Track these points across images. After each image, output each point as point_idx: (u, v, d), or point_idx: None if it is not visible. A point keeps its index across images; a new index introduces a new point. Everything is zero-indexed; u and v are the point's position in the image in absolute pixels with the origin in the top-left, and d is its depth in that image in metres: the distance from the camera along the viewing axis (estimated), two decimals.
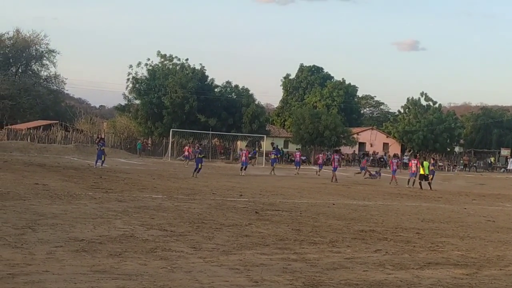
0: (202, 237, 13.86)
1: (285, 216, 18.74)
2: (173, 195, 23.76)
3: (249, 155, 48.81)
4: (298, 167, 50.20)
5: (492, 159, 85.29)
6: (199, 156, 39.23)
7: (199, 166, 37.68)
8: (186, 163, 53.28)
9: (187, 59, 78.89)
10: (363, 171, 48.30)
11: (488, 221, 20.79)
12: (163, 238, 13.40)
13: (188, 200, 22.16)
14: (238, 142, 77.34)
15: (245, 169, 43.79)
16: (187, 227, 15.27)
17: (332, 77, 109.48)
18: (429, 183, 36.80)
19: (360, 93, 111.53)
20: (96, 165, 41.08)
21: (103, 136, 62.47)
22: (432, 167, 39.88)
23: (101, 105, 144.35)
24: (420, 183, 36.82)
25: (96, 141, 70.55)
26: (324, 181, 39.05)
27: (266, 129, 79.64)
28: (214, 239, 13.68)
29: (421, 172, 37.39)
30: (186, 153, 57.11)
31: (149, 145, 74.83)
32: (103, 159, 42.00)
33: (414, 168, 38.58)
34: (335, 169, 41.02)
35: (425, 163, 38.00)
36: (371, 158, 79.58)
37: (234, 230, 15.19)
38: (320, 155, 53.68)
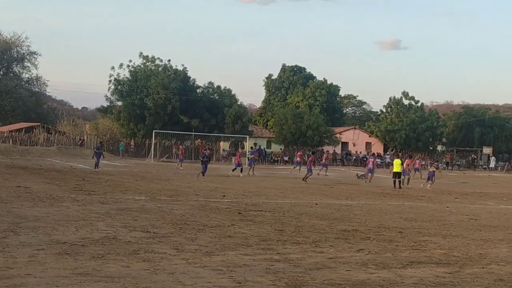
0: (185, 238, 13.85)
1: (268, 217, 18.75)
2: (156, 197, 23.73)
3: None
4: (299, 167, 50.07)
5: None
6: (200, 158, 39.25)
7: (203, 169, 37.52)
8: (180, 165, 52.69)
9: (169, 60, 78.80)
10: (370, 172, 45.65)
11: (471, 220, 20.89)
12: (145, 239, 13.38)
13: (171, 202, 22.13)
14: (221, 143, 77.35)
15: (241, 171, 43.31)
16: (170, 228, 15.25)
17: (315, 77, 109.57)
18: (400, 181, 36.85)
19: (342, 93, 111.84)
20: (97, 168, 40.46)
21: (101, 140, 62.12)
22: (435, 169, 39.68)
23: (84, 107, 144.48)
24: (394, 182, 36.70)
25: (79, 143, 70.94)
26: (308, 181, 39.02)
27: (249, 129, 79.55)
28: (197, 240, 13.67)
29: (395, 170, 37.43)
30: (181, 156, 56.42)
31: (131, 146, 74.67)
32: (94, 160, 41.53)
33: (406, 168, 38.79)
34: (310, 170, 40.56)
35: (397, 161, 38.02)
36: (354, 157, 79.92)
37: (217, 231, 15.19)
38: (324, 155, 55.20)
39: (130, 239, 13.36)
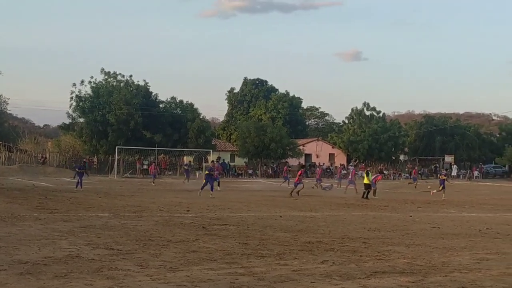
0: (149, 254, 13.78)
1: (232, 230, 18.74)
2: (120, 213, 23.58)
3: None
4: (287, 181, 50.25)
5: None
6: (206, 172, 38.69)
7: (207, 184, 36.65)
8: (152, 181, 51.48)
9: (131, 76, 78.61)
10: (351, 184, 45.06)
11: (433, 228, 21.06)
12: (109, 257, 13.28)
13: (135, 218, 22.00)
14: (185, 158, 77.20)
15: (218, 185, 42.52)
16: (134, 245, 15.16)
17: (277, 90, 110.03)
18: (368, 192, 37.20)
19: (304, 105, 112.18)
20: (78, 187, 39.12)
21: (85, 160, 61.40)
22: (444, 177, 40.75)
23: (46, 124, 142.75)
24: (364, 193, 37.09)
25: (41, 161, 70.23)
26: (272, 194, 39.05)
27: (212, 143, 79.63)
28: (161, 256, 13.61)
29: (365, 181, 37.89)
30: (153, 170, 55.53)
31: (94, 163, 74.14)
32: (77, 180, 40.00)
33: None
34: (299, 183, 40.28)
35: (365, 173, 38.95)
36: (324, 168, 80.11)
37: (181, 246, 15.14)
38: (318, 169, 56.11)
39: (94, 256, 13.26)
